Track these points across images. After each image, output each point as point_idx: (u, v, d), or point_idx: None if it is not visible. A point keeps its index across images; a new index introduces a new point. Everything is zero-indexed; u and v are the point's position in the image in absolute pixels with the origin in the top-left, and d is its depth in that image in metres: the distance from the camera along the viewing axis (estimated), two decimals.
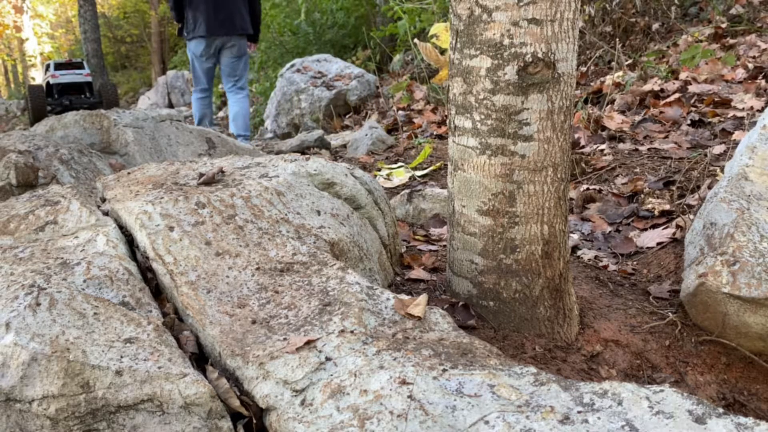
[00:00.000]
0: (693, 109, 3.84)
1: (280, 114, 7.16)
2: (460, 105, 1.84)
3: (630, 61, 5.12)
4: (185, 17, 5.40)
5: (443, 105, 5.41)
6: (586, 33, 5.60)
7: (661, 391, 1.17)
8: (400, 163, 3.99)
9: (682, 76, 4.34)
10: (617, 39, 5.43)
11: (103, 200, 2.12)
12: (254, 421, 1.31)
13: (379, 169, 3.82)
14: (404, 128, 5.16)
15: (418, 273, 2.23)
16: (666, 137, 3.56)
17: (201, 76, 5.62)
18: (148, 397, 1.28)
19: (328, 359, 1.35)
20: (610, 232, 2.73)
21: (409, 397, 1.21)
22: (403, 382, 1.24)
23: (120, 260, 1.67)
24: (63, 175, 2.93)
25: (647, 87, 4.28)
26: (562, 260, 1.89)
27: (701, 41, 5.01)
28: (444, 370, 1.28)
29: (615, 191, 3.02)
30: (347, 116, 6.78)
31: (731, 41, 4.91)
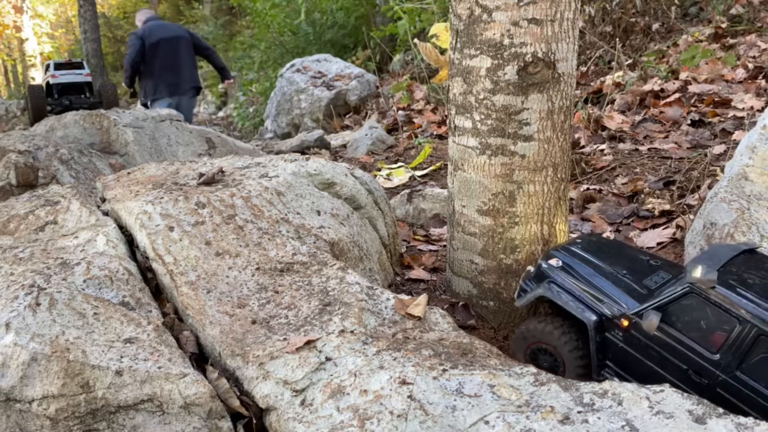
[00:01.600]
0: (693, 109, 3.84)
1: (280, 114, 7.15)
2: (460, 105, 1.84)
3: (630, 61, 5.12)
4: (143, 85, 5.87)
5: (443, 105, 5.41)
6: (586, 33, 5.60)
7: (661, 391, 1.17)
8: (400, 163, 3.99)
9: (682, 76, 4.33)
10: (617, 39, 5.43)
11: (103, 200, 2.12)
12: (254, 421, 1.31)
13: (379, 169, 3.82)
14: (404, 128, 5.15)
15: (418, 273, 2.23)
16: (666, 137, 3.55)
17: None
18: (148, 397, 1.28)
19: (328, 359, 1.35)
20: (610, 231, 2.73)
21: (409, 397, 1.21)
22: (403, 382, 1.24)
23: (120, 260, 1.67)
24: (63, 175, 2.92)
25: (647, 87, 4.28)
26: None
27: (701, 41, 5.01)
28: (444, 370, 1.28)
29: (615, 191, 3.02)
30: (347, 116, 6.77)
31: (731, 41, 4.90)
